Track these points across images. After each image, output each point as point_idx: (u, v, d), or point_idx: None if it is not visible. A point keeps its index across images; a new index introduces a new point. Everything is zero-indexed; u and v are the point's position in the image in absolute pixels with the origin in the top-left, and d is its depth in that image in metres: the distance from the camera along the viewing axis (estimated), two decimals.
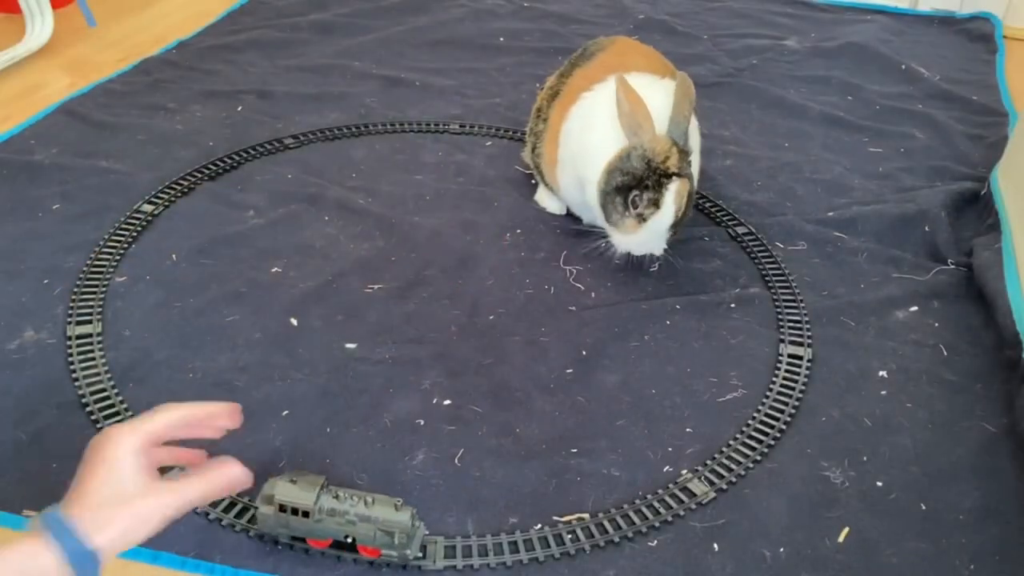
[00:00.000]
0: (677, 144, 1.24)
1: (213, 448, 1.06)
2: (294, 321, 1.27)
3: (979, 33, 2.37)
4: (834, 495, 1.03)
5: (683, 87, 1.27)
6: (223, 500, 0.99)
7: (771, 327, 1.30)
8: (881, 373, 1.21)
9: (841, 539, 0.98)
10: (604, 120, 1.31)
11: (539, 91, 1.56)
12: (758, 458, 1.07)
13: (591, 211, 1.38)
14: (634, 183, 1.24)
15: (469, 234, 1.49)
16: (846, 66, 2.15)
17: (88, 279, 1.33)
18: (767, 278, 1.40)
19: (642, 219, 1.25)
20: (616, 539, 0.96)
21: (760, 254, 1.45)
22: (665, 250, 1.39)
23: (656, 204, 1.23)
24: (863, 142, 1.82)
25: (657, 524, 0.98)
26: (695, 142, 1.37)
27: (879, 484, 1.04)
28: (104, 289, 1.31)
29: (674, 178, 1.23)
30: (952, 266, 1.42)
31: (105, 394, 1.12)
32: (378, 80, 2.02)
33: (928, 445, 1.10)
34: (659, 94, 1.29)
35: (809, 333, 1.28)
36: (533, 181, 1.61)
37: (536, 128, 1.50)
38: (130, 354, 1.20)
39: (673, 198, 1.23)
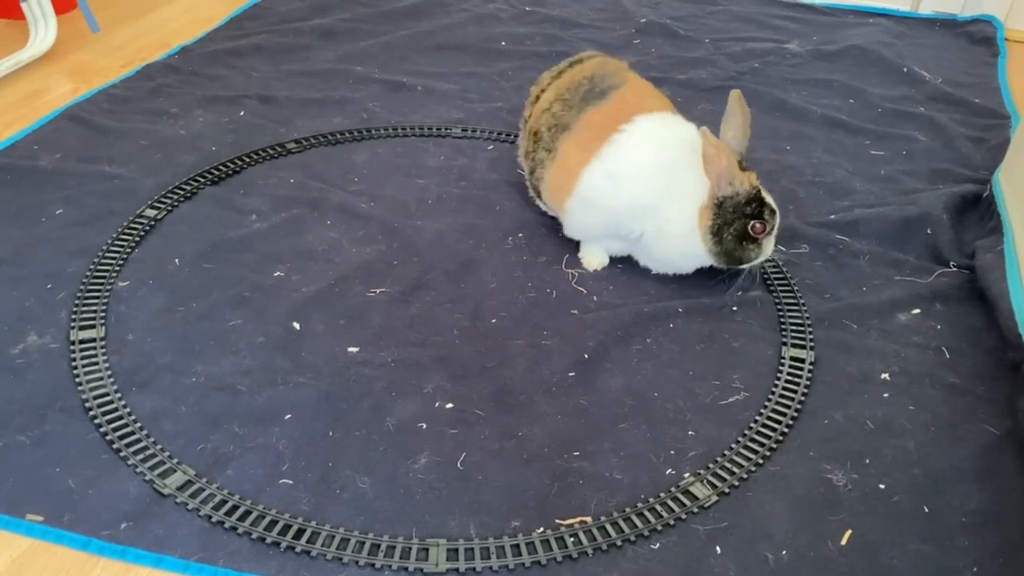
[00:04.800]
0: (743, 164, 1.30)
1: (214, 447, 1.06)
2: (297, 325, 1.28)
3: (981, 36, 2.37)
4: (837, 498, 1.03)
5: (740, 106, 1.30)
6: (226, 502, 0.99)
7: (773, 330, 1.30)
8: (883, 376, 1.21)
9: (844, 542, 0.98)
10: (663, 164, 1.32)
11: (529, 103, 1.52)
12: (760, 461, 1.07)
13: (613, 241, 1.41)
14: (747, 219, 1.28)
15: (471, 238, 1.49)
16: (848, 69, 2.15)
17: (91, 284, 1.33)
18: (769, 281, 1.40)
19: (772, 229, 1.31)
20: (618, 542, 0.97)
21: None
22: None
23: (773, 212, 1.30)
24: (865, 145, 1.82)
25: (659, 527, 0.98)
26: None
27: (882, 487, 1.04)
28: (107, 294, 1.32)
29: (759, 188, 1.29)
30: (954, 268, 1.42)
31: (108, 399, 1.13)
32: (380, 84, 2.02)
33: (930, 447, 1.10)
34: (687, 132, 1.35)
35: (811, 336, 1.28)
36: None
37: (538, 155, 1.44)
38: (133, 359, 1.20)
39: (769, 197, 1.30)
